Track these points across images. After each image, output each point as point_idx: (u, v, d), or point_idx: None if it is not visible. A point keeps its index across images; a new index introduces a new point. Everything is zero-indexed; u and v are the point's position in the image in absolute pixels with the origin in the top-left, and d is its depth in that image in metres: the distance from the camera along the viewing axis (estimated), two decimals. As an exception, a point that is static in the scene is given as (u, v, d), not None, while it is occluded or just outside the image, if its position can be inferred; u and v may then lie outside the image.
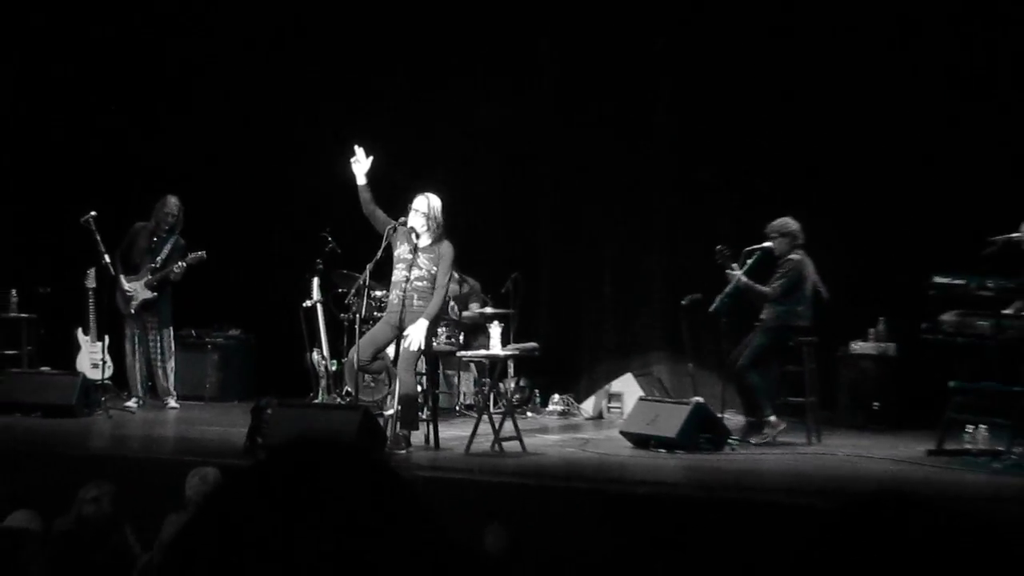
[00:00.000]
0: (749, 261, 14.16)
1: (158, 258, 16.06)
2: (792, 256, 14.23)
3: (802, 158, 16.32)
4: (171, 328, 16.50)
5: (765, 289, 14.15)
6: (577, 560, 9.50)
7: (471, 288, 16.39)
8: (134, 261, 16.09)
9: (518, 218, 18.13)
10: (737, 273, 14.20)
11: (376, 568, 1.73)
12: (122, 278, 16.02)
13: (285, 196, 17.10)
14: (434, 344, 13.95)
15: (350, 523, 1.76)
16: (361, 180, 13.36)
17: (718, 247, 14.36)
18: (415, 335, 13.10)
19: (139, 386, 16.32)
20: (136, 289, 16.09)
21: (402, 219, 13.31)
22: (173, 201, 16.23)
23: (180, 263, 15.94)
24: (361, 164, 13.38)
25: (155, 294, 16.12)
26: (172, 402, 16.37)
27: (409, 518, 1.82)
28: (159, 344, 16.32)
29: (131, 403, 16.11)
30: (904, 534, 1.98)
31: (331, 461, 1.84)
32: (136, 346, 16.27)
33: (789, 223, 14.36)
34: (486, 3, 17.92)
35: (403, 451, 12.96)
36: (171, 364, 16.52)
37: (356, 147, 13.43)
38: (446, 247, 13.36)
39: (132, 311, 16.16)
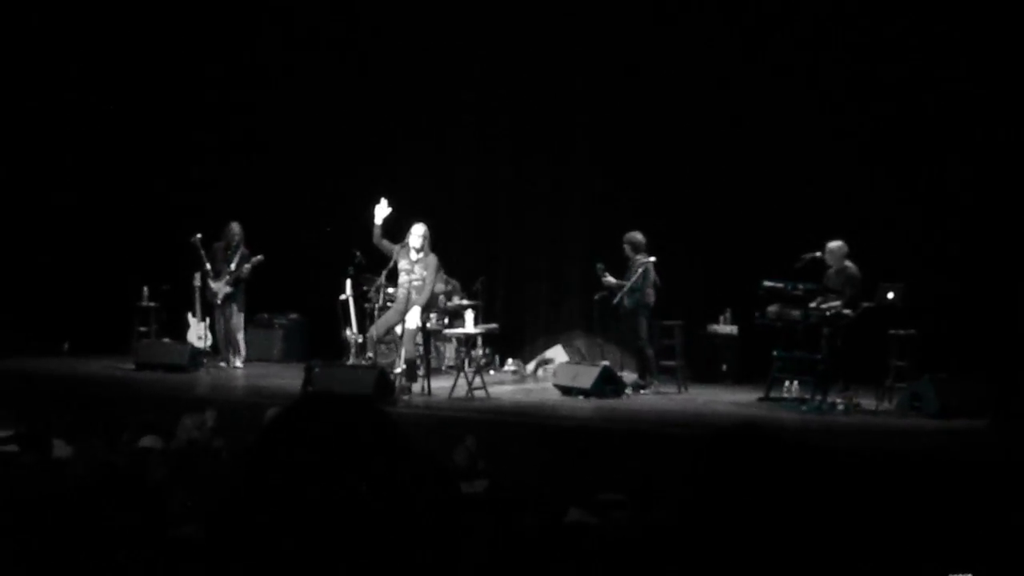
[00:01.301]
0: (638, 272, 14.17)
1: (231, 266, 16.12)
2: (638, 257, 14.28)
3: (677, 197, 16.30)
4: (243, 313, 16.56)
5: (628, 282, 14.18)
6: (521, 470, 9.48)
7: (453, 287, 16.39)
8: (216, 268, 16.11)
9: (485, 239, 18.08)
10: (611, 280, 14.35)
11: (366, 470, 1.79)
12: (209, 280, 16.10)
13: (329, 223, 17.03)
14: (428, 325, 14.01)
15: (354, 442, 1.82)
16: (378, 221, 13.60)
17: (597, 265, 14.50)
18: (411, 318, 13.41)
19: (228, 352, 16.35)
20: (219, 287, 16.12)
21: (404, 242, 13.57)
22: (235, 226, 16.32)
23: (246, 266, 16.07)
24: (382, 210, 13.54)
25: (232, 289, 16.17)
26: (238, 362, 16.36)
27: (391, 441, 1.87)
28: (236, 322, 16.39)
29: (223, 364, 16.09)
30: (755, 450, 2.05)
31: (340, 405, 1.92)
32: (222, 325, 16.31)
33: (635, 235, 14.51)
34: (460, 85, 17.92)
35: (407, 397, 13.09)
36: (241, 335, 16.57)
37: (383, 199, 13.59)
38: (432, 258, 13.69)
39: (218, 302, 16.18)
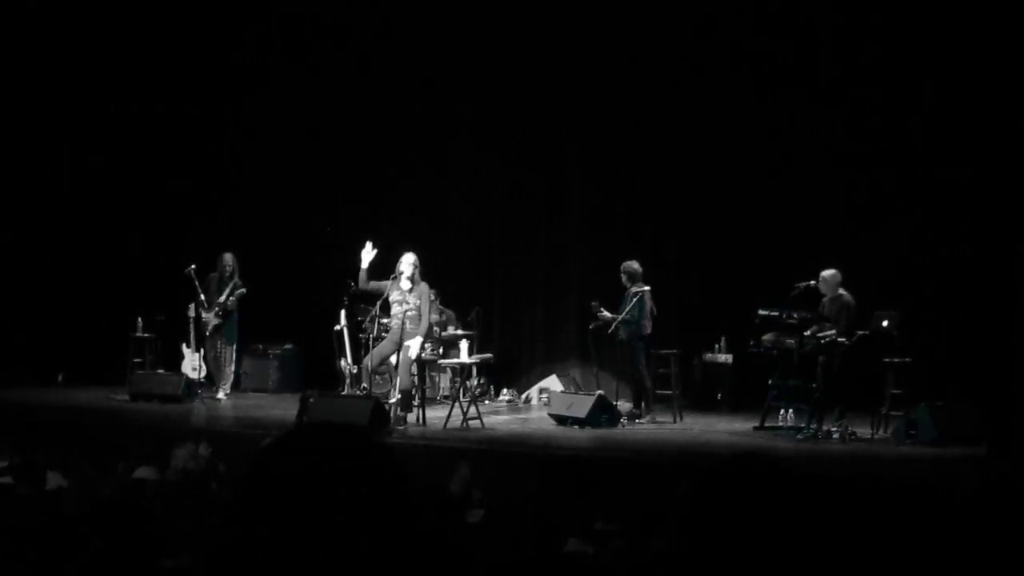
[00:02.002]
0: (633, 302, 14.16)
1: (222, 297, 16.07)
2: (634, 288, 14.25)
3: (672, 226, 16.38)
4: (234, 345, 16.51)
5: (625, 316, 14.16)
6: (516, 499, 9.47)
7: (448, 317, 16.43)
8: (209, 299, 16.06)
9: (480, 270, 18.13)
10: (606, 314, 14.31)
11: (362, 500, 1.80)
12: (202, 311, 16.09)
13: (325, 258, 17.00)
14: (423, 355, 13.99)
15: (349, 472, 1.83)
16: (364, 265, 13.62)
17: (592, 303, 14.51)
18: (414, 347, 13.50)
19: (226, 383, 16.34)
20: (209, 318, 16.09)
21: (396, 272, 13.57)
22: (228, 256, 16.26)
23: (231, 298, 16.05)
24: (368, 254, 13.57)
25: (220, 321, 16.10)
26: (221, 394, 16.20)
27: (385, 470, 1.88)
28: (223, 354, 16.30)
29: (220, 396, 16.04)
30: (754, 480, 2.07)
31: (335, 435, 1.93)
32: (212, 356, 16.28)
33: (632, 265, 14.45)
34: (455, 114, 17.97)
35: (402, 427, 13.07)
36: (229, 369, 16.50)
37: (368, 243, 13.61)
38: (424, 287, 13.70)
39: (208, 333, 16.13)
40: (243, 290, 16.03)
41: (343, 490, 1.83)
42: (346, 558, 1.79)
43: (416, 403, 13.81)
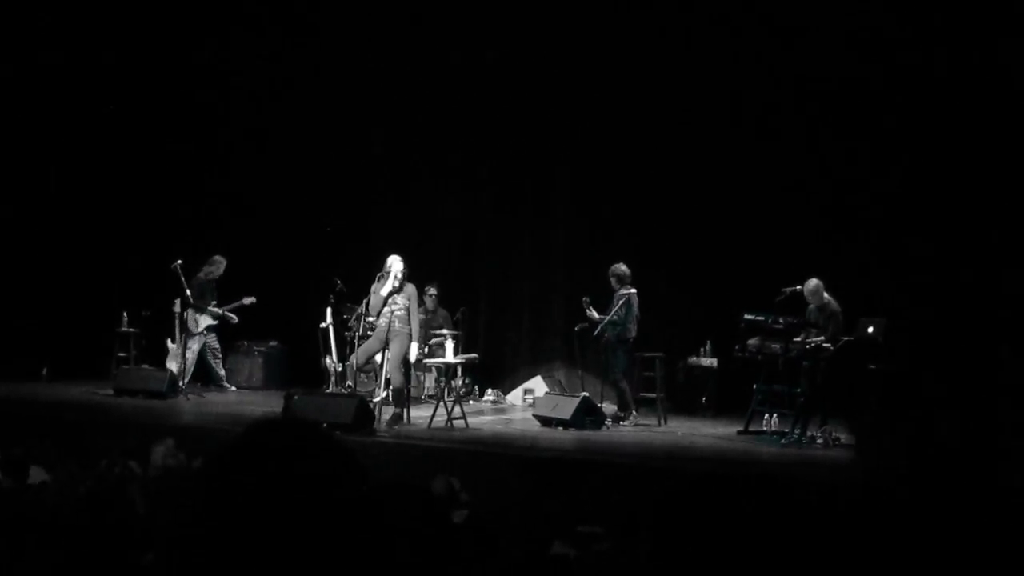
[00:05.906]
0: (620, 304, 14.18)
1: (214, 298, 16.13)
2: (622, 291, 14.28)
3: (658, 229, 16.39)
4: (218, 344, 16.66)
5: (612, 317, 14.18)
6: (500, 501, 9.47)
7: (436, 315, 16.48)
8: (205, 301, 16.08)
9: (466, 272, 18.17)
10: (594, 314, 14.41)
11: (320, 497, 1.81)
12: (188, 310, 16.11)
13: (313, 257, 17.02)
14: (409, 355, 13.98)
15: (306, 468, 1.86)
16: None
17: (584, 299, 14.52)
18: (413, 351, 13.68)
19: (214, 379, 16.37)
20: (199, 319, 16.12)
21: (381, 273, 13.60)
22: (217, 259, 16.35)
23: (235, 304, 16.10)
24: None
25: (216, 322, 16.09)
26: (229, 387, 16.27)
27: (342, 466, 1.87)
28: (216, 354, 16.27)
29: (228, 386, 16.08)
30: (741, 498, 2.06)
31: (294, 432, 1.91)
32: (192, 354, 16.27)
33: (620, 267, 14.51)
34: (445, 116, 17.95)
35: (397, 425, 13.10)
36: (219, 367, 16.56)
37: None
38: (411, 288, 13.73)
39: (196, 332, 16.10)
40: (252, 299, 16.04)
41: (301, 487, 1.83)
42: (306, 554, 1.79)
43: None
